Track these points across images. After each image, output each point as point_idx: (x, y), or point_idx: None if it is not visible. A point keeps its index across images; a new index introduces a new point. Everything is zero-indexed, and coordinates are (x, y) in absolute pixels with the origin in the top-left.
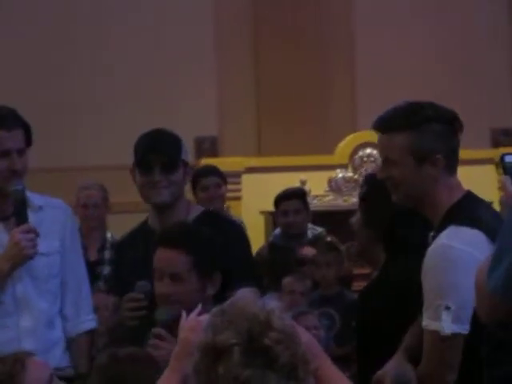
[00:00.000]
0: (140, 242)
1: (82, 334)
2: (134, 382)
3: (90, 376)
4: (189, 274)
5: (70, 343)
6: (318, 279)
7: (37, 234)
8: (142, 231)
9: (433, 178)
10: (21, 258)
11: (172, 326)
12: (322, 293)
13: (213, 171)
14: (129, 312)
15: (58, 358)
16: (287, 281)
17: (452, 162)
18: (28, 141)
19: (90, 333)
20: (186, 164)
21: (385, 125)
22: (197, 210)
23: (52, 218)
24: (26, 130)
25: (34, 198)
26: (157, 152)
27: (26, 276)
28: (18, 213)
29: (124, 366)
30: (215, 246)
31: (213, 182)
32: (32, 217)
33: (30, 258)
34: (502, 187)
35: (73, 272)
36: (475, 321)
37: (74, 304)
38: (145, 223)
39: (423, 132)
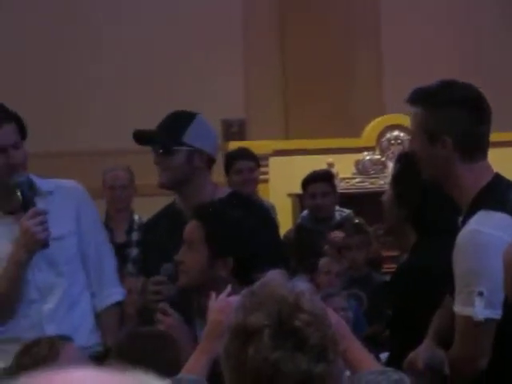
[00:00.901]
0: (167, 222)
1: (109, 307)
2: (152, 359)
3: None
4: (201, 246)
5: (99, 318)
6: (348, 261)
7: (46, 215)
8: (169, 212)
9: (444, 159)
10: (34, 244)
11: (179, 303)
12: (350, 274)
13: (247, 154)
14: (153, 295)
15: (84, 337)
16: (324, 261)
17: (469, 148)
18: (22, 132)
19: (117, 306)
20: (195, 148)
21: (412, 97)
22: (223, 192)
23: (64, 201)
24: (18, 122)
25: (43, 183)
26: (154, 135)
27: (44, 263)
28: (26, 203)
29: (142, 343)
30: (235, 229)
31: (247, 165)
32: (41, 203)
33: (44, 242)
34: None
35: (92, 248)
36: (507, 305)
37: (97, 279)
38: (172, 204)
39: (439, 112)
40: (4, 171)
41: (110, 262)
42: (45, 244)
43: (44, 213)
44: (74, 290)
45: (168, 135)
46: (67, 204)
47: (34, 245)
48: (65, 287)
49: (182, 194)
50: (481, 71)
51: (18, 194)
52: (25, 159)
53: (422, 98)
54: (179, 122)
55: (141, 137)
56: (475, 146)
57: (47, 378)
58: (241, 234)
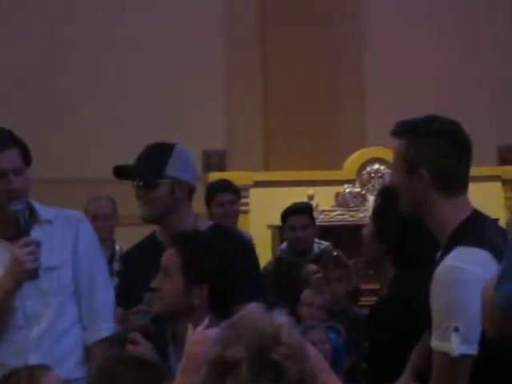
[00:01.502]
0: (148, 253)
1: (98, 342)
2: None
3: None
4: (177, 273)
5: (88, 352)
6: (328, 294)
7: (38, 246)
8: (149, 243)
9: (421, 191)
10: (22, 273)
11: (151, 331)
12: (330, 307)
13: (229, 187)
14: (135, 325)
15: (70, 369)
16: (307, 293)
17: (446, 181)
18: (26, 160)
19: (106, 341)
20: (177, 180)
21: (395, 129)
22: (205, 224)
23: (63, 231)
24: (23, 149)
25: (43, 211)
26: (134, 170)
27: (35, 292)
28: (23, 231)
29: (121, 367)
30: (212, 256)
31: (228, 198)
32: (39, 231)
33: (33, 272)
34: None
35: (86, 280)
36: (484, 342)
37: (87, 313)
38: (153, 235)
39: (418, 143)
40: (3, 197)
41: (103, 295)
42: (33, 274)
43: (36, 243)
44: (63, 321)
45: (149, 169)
46: (65, 234)
47: (21, 274)
48: (51, 318)
49: (163, 225)
50: (467, 101)
51: (16, 221)
52: (26, 186)
53: (404, 129)
54: (159, 154)
55: (121, 171)
56: (453, 181)
57: None
58: (217, 262)
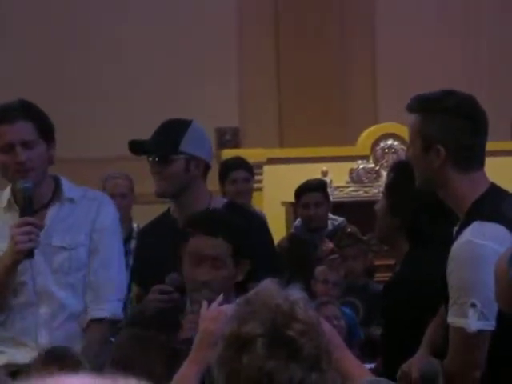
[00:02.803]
0: (163, 230)
1: (95, 320)
2: (150, 361)
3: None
4: (229, 261)
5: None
6: (346, 271)
7: (38, 227)
8: (164, 220)
9: (438, 167)
10: (15, 252)
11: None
12: (347, 283)
13: (242, 165)
14: (157, 303)
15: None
16: (320, 270)
17: (463, 158)
18: (43, 134)
19: (100, 322)
20: (192, 156)
21: (411, 104)
22: (219, 202)
23: (83, 211)
24: (38, 122)
25: (69, 189)
26: (150, 145)
27: (47, 268)
28: (24, 210)
29: (142, 346)
30: (248, 234)
31: (242, 175)
32: (59, 209)
33: (28, 252)
34: None
35: (97, 259)
36: (501, 318)
37: (92, 288)
38: (167, 212)
39: (435, 119)
40: (12, 170)
41: (111, 275)
42: (28, 254)
43: (35, 224)
44: (74, 301)
45: (164, 144)
46: (86, 215)
47: (16, 253)
48: (62, 296)
49: (178, 202)
50: (479, 79)
51: (21, 198)
52: (37, 160)
53: (420, 104)
54: (175, 130)
55: (137, 147)
56: (469, 157)
57: None
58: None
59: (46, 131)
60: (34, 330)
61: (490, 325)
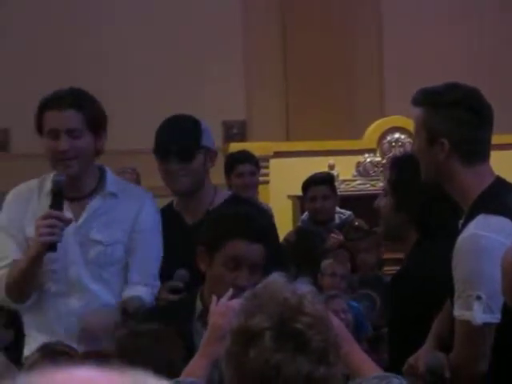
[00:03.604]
0: (169, 224)
1: (131, 297)
2: (151, 356)
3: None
4: (261, 267)
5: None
6: (358, 264)
7: (63, 221)
8: (167, 214)
9: (443, 161)
10: (38, 244)
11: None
12: (361, 276)
13: (249, 158)
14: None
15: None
16: (328, 263)
17: (467, 151)
18: (91, 125)
19: (139, 300)
20: (208, 149)
21: (416, 98)
22: (223, 195)
23: (124, 207)
24: (88, 112)
25: (112, 183)
26: (173, 142)
27: (81, 260)
28: (54, 203)
29: (142, 341)
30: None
31: (248, 169)
32: (99, 202)
33: (50, 245)
34: None
35: (138, 255)
36: (506, 310)
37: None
38: (170, 206)
39: (439, 113)
40: (52, 156)
41: (148, 274)
42: (49, 247)
43: (60, 217)
44: (106, 294)
45: (189, 141)
46: (126, 212)
47: (38, 245)
48: (94, 288)
49: (191, 195)
50: (483, 72)
51: (52, 191)
52: (81, 150)
53: (424, 98)
54: (192, 125)
55: (163, 149)
56: (474, 150)
57: (48, 377)
58: None
59: (95, 122)
60: (66, 319)
61: (495, 318)
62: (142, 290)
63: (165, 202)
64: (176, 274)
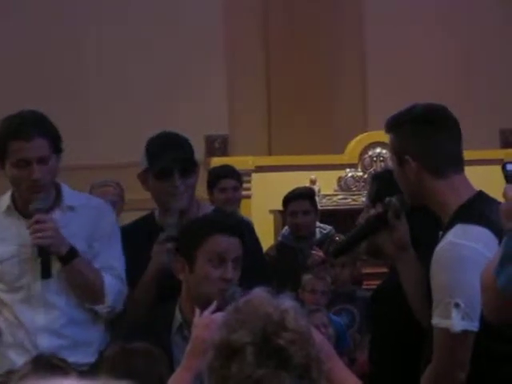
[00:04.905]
0: (150, 234)
1: None
2: (144, 375)
3: (99, 367)
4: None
5: None
6: (333, 278)
7: (47, 224)
8: (150, 224)
9: (414, 178)
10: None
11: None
12: (335, 289)
13: (232, 173)
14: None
15: (87, 355)
16: (308, 279)
17: (433, 163)
18: (55, 148)
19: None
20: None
21: (385, 126)
22: (206, 209)
23: (83, 219)
24: (51, 136)
25: (70, 197)
26: (175, 158)
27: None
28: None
29: (134, 359)
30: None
31: (231, 184)
32: (58, 217)
33: (40, 249)
34: (504, 196)
35: (99, 265)
36: (484, 318)
37: None
38: (151, 219)
39: (400, 133)
40: (22, 184)
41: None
42: (40, 252)
43: (44, 221)
44: (74, 308)
45: (188, 158)
46: (85, 224)
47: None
48: (60, 304)
49: (169, 210)
50: (466, 91)
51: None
52: (50, 175)
53: (389, 123)
54: (185, 142)
55: (165, 169)
56: (441, 161)
57: None
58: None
59: (57, 145)
60: (33, 336)
61: (474, 326)
62: (112, 281)
63: (142, 214)
64: (166, 224)
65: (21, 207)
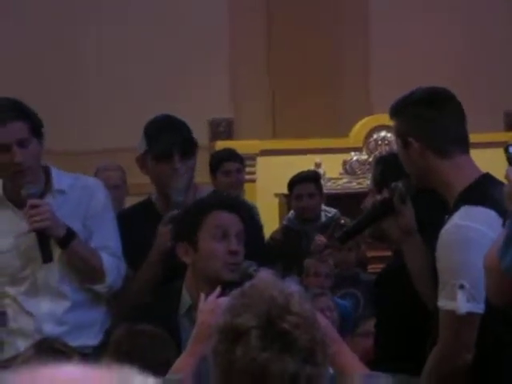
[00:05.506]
0: (144, 220)
1: None
2: (150, 357)
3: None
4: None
5: None
6: (338, 262)
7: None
8: (147, 210)
9: (419, 159)
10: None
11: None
12: (339, 272)
13: (235, 156)
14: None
15: (90, 337)
16: (309, 263)
17: (437, 143)
18: (34, 131)
19: None
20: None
21: (389, 112)
22: (205, 191)
23: (75, 201)
24: (30, 120)
25: (60, 180)
26: (176, 140)
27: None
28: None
29: (140, 341)
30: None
31: (235, 167)
32: (51, 201)
33: (42, 231)
34: (506, 178)
35: (95, 243)
36: (489, 300)
37: None
38: (149, 203)
39: (402, 116)
40: (8, 169)
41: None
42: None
43: (39, 205)
44: (77, 292)
45: (190, 140)
46: (77, 206)
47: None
48: (65, 288)
49: (167, 193)
50: (471, 73)
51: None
52: (33, 158)
53: (392, 110)
54: (184, 125)
55: (166, 151)
56: (445, 141)
57: (32, 375)
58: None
59: (36, 129)
60: (38, 323)
61: (479, 307)
62: (109, 259)
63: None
64: (173, 203)
65: (14, 197)
